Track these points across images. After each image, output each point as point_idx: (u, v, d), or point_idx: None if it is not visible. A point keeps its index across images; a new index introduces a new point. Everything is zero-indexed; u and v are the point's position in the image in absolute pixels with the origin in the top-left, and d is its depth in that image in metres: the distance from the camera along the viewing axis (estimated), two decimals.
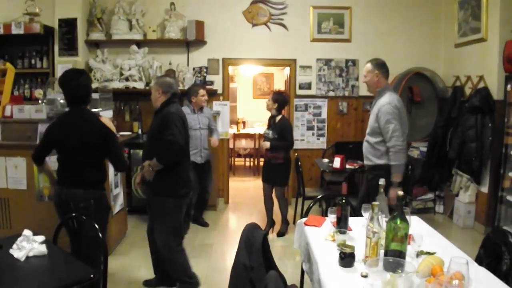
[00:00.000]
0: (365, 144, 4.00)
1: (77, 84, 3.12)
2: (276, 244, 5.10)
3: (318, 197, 3.82)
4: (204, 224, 5.73)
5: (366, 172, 4.13)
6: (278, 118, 5.24)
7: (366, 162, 4.00)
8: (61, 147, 3.18)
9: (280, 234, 5.37)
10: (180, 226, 3.72)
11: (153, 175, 3.48)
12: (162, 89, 3.62)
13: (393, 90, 4.02)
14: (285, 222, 5.47)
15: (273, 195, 5.41)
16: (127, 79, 6.34)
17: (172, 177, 3.54)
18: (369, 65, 3.91)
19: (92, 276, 2.32)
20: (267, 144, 5.16)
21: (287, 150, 5.29)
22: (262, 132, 8.98)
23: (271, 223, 5.48)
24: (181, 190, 3.63)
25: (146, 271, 4.27)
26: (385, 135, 3.73)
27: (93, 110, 4.40)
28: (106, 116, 4.54)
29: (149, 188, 3.61)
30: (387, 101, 3.75)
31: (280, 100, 5.22)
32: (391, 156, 3.72)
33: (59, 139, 3.16)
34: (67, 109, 3.26)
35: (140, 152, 5.79)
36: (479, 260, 2.61)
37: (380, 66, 3.89)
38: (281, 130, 5.16)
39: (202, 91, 5.43)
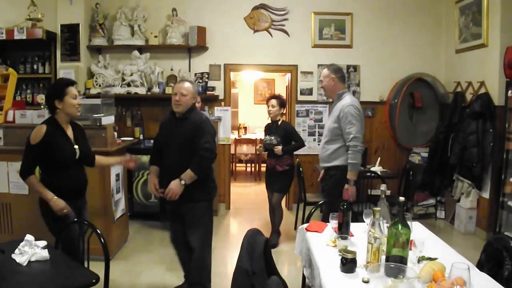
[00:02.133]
0: (323, 147, 4.15)
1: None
2: (277, 250, 5.08)
3: (320, 202, 3.82)
4: None
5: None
6: (280, 122, 5.14)
7: (322, 164, 4.20)
8: None
9: (271, 246, 5.15)
10: (212, 227, 3.74)
11: (182, 190, 3.42)
12: (196, 96, 3.64)
13: (351, 93, 4.14)
14: (276, 232, 5.28)
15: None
16: (128, 85, 6.36)
17: (207, 181, 3.55)
18: (325, 71, 4.12)
19: (94, 281, 2.33)
20: (279, 150, 4.95)
21: (294, 152, 5.19)
22: (262, 138, 9.04)
23: (276, 232, 5.32)
24: (213, 192, 3.69)
25: (148, 276, 4.28)
26: (347, 135, 3.90)
27: (95, 115, 4.43)
28: (109, 121, 4.58)
29: (181, 195, 3.47)
30: (349, 102, 3.93)
31: (284, 104, 5.15)
32: (350, 155, 3.89)
33: None
34: None
35: (142, 157, 5.82)
36: (481, 266, 2.61)
37: (336, 71, 4.09)
38: (286, 133, 5.05)
39: None
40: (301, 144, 5.11)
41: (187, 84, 3.54)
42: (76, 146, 3.25)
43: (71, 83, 3.27)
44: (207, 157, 3.45)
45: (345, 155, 3.94)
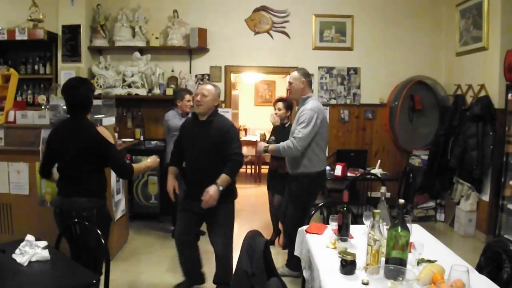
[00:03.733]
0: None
1: (76, 92, 3.03)
2: (277, 251, 5.08)
3: (319, 204, 3.82)
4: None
5: (288, 180, 4.29)
6: (287, 125, 5.08)
7: (289, 171, 4.20)
8: (59, 155, 3.09)
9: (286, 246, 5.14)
10: (233, 227, 3.81)
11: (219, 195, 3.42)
12: (218, 99, 3.69)
13: (317, 99, 4.16)
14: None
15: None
16: (129, 86, 6.37)
17: (231, 183, 3.57)
18: (295, 73, 4.14)
19: (94, 281, 2.34)
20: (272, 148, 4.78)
21: None
22: (260, 139, 9.00)
23: (277, 232, 5.31)
24: (235, 194, 3.75)
25: (148, 277, 4.29)
26: (295, 133, 3.89)
27: (96, 116, 4.43)
28: (110, 122, 4.59)
29: None
30: (309, 107, 3.95)
31: (291, 107, 5.13)
32: (285, 145, 3.92)
33: (58, 148, 3.08)
34: (67, 116, 3.17)
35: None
36: (480, 268, 2.61)
37: (306, 75, 4.13)
38: None
39: (188, 97, 5.21)
40: None
41: (209, 86, 3.63)
42: None
43: None
44: (239, 162, 3.54)
45: (306, 161, 3.98)
